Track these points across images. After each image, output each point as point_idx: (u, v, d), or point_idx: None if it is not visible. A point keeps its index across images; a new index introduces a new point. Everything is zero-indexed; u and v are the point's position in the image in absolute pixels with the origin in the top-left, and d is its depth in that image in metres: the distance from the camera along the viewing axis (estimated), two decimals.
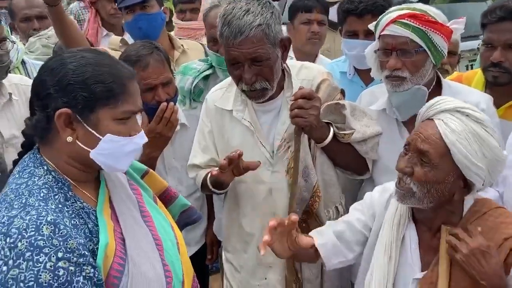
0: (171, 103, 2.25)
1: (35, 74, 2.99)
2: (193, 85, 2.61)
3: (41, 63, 3.31)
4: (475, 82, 2.48)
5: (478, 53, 6.35)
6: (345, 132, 2.03)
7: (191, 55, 3.07)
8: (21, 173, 1.34)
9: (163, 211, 1.61)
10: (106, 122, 1.33)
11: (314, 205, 2.04)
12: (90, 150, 1.33)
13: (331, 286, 2.11)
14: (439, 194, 1.58)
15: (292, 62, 2.18)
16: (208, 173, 2.10)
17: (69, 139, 1.31)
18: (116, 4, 3.06)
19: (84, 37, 2.60)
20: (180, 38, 3.20)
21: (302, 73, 2.09)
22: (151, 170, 1.71)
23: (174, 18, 3.93)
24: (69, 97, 1.29)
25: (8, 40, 2.44)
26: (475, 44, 6.57)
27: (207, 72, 2.66)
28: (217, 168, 1.95)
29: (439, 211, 1.64)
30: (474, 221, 1.61)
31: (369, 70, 2.33)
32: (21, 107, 2.58)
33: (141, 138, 1.41)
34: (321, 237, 1.83)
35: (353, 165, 2.13)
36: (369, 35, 2.42)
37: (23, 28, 3.29)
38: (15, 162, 1.44)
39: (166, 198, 1.70)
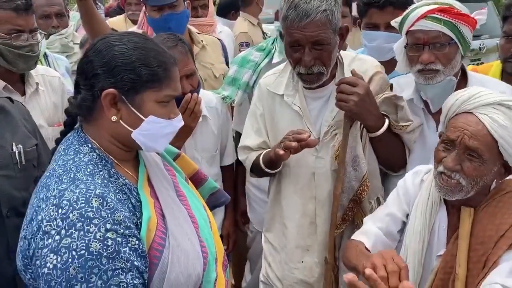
0: (195, 94, 2.31)
1: (56, 67, 3.05)
2: (252, 79, 2.66)
3: (62, 57, 3.41)
4: (491, 75, 2.53)
5: (479, 53, 6.46)
6: (403, 124, 2.08)
7: (210, 50, 3.13)
8: (66, 150, 1.40)
9: (195, 192, 1.67)
10: (150, 104, 1.39)
11: (362, 194, 2.09)
12: (132, 130, 1.39)
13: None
14: (484, 184, 1.64)
15: (346, 52, 2.24)
16: (260, 154, 2.17)
17: (114, 118, 1.37)
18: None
19: (110, 29, 2.62)
20: (198, 33, 3.25)
21: (355, 64, 2.14)
22: (182, 153, 1.77)
23: None
24: (116, 78, 1.35)
25: (38, 31, 2.48)
26: (477, 44, 6.74)
27: (265, 63, 2.68)
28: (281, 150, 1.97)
29: (474, 197, 1.68)
30: (496, 198, 1.67)
31: (387, 62, 2.42)
32: (47, 97, 2.63)
33: (179, 121, 1.48)
34: (368, 239, 1.84)
35: (395, 159, 2.17)
36: (389, 27, 2.47)
37: (42, 25, 3.32)
38: (58, 141, 1.50)
39: (196, 180, 1.77)
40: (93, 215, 1.24)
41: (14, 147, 1.91)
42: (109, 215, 1.26)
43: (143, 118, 1.38)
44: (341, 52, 2.18)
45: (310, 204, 2.16)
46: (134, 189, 1.41)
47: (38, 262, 1.24)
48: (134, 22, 4.95)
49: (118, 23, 4.67)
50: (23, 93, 2.53)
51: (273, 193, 2.30)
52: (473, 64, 5.63)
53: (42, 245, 1.23)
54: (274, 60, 2.72)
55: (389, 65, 2.43)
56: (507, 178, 1.73)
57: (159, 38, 2.36)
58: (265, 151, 2.21)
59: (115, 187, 1.36)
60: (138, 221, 1.35)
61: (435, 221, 1.76)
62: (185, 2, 2.95)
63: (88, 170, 1.34)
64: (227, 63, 3.25)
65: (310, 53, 1.96)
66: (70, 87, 2.93)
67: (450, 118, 1.69)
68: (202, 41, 3.11)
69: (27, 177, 1.95)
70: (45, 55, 3.20)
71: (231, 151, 2.83)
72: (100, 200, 1.27)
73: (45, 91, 2.62)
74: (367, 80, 2.10)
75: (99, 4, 6.39)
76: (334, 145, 2.10)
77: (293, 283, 2.25)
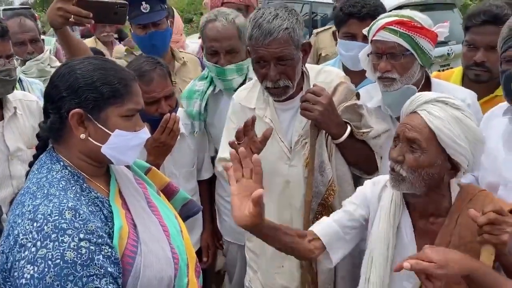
0: (173, 114, 2.38)
1: (31, 91, 3.08)
2: (202, 106, 2.74)
3: (37, 81, 3.44)
4: (452, 81, 2.64)
5: (448, 58, 6.59)
6: (363, 131, 2.19)
7: (190, 67, 3.23)
8: (40, 169, 1.49)
9: (166, 203, 1.76)
10: (114, 119, 1.48)
11: (329, 198, 2.19)
12: (101, 145, 1.48)
13: (343, 277, 2.24)
14: (430, 177, 1.70)
15: (312, 66, 2.35)
16: None
17: (82, 136, 1.46)
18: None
19: (91, 53, 2.69)
20: (181, 51, 3.35)
21: (321, 76, 2.27)
22: (153, 167, 1.85)
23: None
24: (80, 98, 1.45)
25: (14, 56, 2.53)
26: (445, 50, 6.91)
27: (210, 90, 2.78)
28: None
29: (430, 196, 1.76)
30: (465, 206, 1.74)
31: (359, 72, 2.51)
32: (25, 121, 2.66)
33: (145, 133, 1.58)
34: (318, 225, 1.94)
35: (364, 163, 2.27)
36: (366, 38, 2.54)
37: (17, 52, 3.35)
38: (31, 164, 1.59)
39: (168, 192, 1.85)
40: (66, 226, 1.32)
41: None
42: (82, 225, 1.34)
43: (110, 132, 1.48)
44: (307, 65, 2.28)
45: (286, 211, 2.24)
46: (106, 201, 1.50)
47: (16, 273, 1.31)
48: (106, 43, 5.00)
49: (88, 45, 4.68)
50: (1, 117, 2.57)
51: None
52: (443, 69, 5.77)
53: (19, 257, 1.31)
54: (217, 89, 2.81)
55: (361, 75, 2.53)
56: (465, 184, 1.82)
57: (137, 61, 2.44)
58: None
59: (87, 200, 1.44)
60: (110, 231, 1.44)
61: (400, 225, 1.82)
62: (168, 21, 3.05)
63: (61, 185, 1.42)
64: None
65: (275, 68, 2.06)
66: None
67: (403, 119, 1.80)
68: (183, 57, 3.23)
69: None
70: (20, 80, 3.23)
71: (208, 166, 2.90)
72: (72, 212, 1.35)
73: (23, 115, 2.66)
74: (332, 90, 2.21)
75: (75, 27, 6.40)
76: (305, 153, 2.19)
77: (274, 287, 2.32)
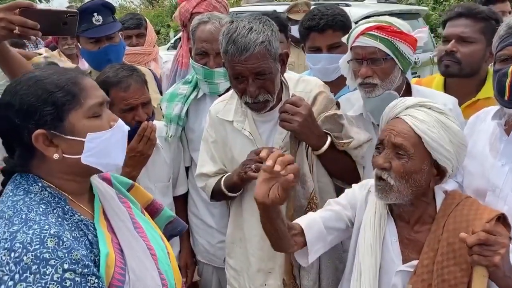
0: (151, 122, 2.31)
1: None
2: (183, 110, 2.67)
3: None
4: (435, 86, 2.66)
5: (415, 67, 6.70)
6: (344, 141, 2.13)
7: (148, 79, 3.10)
8: (15, 191, 1.33)
9: (151, 223, 1.63)
10: (81, 123, 1.34)
11: (311, 211, 2.08)
12: (79, 156, 1.34)
13: None
14: (417, 183, 1.68)
15: (290, 75, 2.28)
16: (221, 178, 2.21)
17: (56, 156, 1.33)
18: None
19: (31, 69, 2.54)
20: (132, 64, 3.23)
21: (300, 86, 2.21)
22: (136, 184, 1.72)
23: None
24: (35, 118, 1.31)
25: None
26: (412, 58, 7.01)
27: (193, 95, 2.71)
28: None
29: (416, 204, 1.75)
30: (451, 213, 1.72)
31: (333, 82, 2.51)
32: None
33: (123, 125, 1.43)
34: (302, 219, 1.90)
35: (346, 174, 2.21)
36: (331, 49, 2.57)
37: None
38: (4, 183, 1.43)
39: (152, 210, 1.73)
40: (49, 256, 1.18)
41: None
42: (66, 254, 1.21)
43: (83, 139, 1.34)
44: (286, 75, 2.22)
45: None
46: (90, 224, 1.37)
47: None
48: (69, 56, 4.86)
49: (52, 58, 4.55)
50: None
51: (232, 217, 2.32)
52: (412, 78, 5.83)
53: None
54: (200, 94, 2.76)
55: (335, 85, 2.52)
56: (450, 191, 1.80)
57: (112, 68, 2.36)
58: (225, 176, 2.23)
59: (70, 225, 1.31)
60: (96, 258, 1.31)
61: (385, 234, 1.80)
62: (120, 33, 2.93)
63: (41, 209, 1.28)
64: (160, 93, 3.26)
65: (253, 84, 2.00)
66: None
67: (382, 129, 1.78)
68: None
69: None
70: None
71: (183, 181, 2.81)
72: (55, 239, 1.21)
73: None
74: (312, 100, 2.16)
75: (40, 40, 6.21)
76: None
77: None
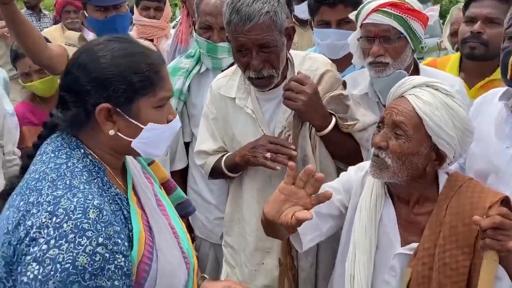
0: None
1: None
2: (185, 85, 2.63)
3: (2, 70, 3.29)
4: (450, 67, 2.61)
5: (422, 52, 6.64)
6: (348, 123, 2.08)
7: None
8: (57, 153, 1.31)
9: (169, 201, 1.61)
10: (147, 111, 1.32)
11: None
12: (131, 139, 1.33)
13: (325, 275, 2.14)
14: (413, 166, 1.64)
15: (296, 52, 2.23)
16: (221, 157, 2.18)
17: (111, 132, 1.31)
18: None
19: (41, 35, 2.52)
20: (141, 38, 3.21)
21: (306, 63, 2.14)
22: (156, 160, 1.69)
23: (135, 15, 3.87)
24: (108, 92, 1.28)
25: None
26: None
27: (196, 70, 2.67)
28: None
29: (413, 185, 1.71)
30: (454, 196, 1.68)
31: (340, 59, 2.44)
32: None
33: (178, 122, 1.44)
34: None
35: (349, 156, 2.15)
36: (340, 24, 2.50)
37: None
38: (36, 145, 1.39)
39: (166, 188, 1.69)
40: (88, 227, 1.18)
41: None
42: (104, 228, 1.20)
43: (142, 126, 1.32)
44: (292, 52, 2.17)
45: None
46: (124, 199, 1.35)
47: (19, 268, 1.18)
48: (73, 30, 4.81)
49: (54, 32, 4.54)
50: None
51: (231, 196, 2.28)
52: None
53: (27, 251, 1.17)
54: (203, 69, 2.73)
55: (342, 63, 2.45)
56: (452, 172, 1.76)
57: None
58: (226, 155, 2.19)
59: (108, 197, 1.30)
60: (130, 233, 1.30)
61: (382, 216, 1.76)
62: (126, 4, 2.92)
63: (84, 177, 1.27)
64: None
65: (258, 57, 1.94)
66: (7, 106, 2.84)
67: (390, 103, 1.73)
68: None
69: None
70: None
71: (181, 156, 2.78)
72: (97, 211, 1.20)
73: None
74: (318, 79, 2.10)
75: (46, 12, 6.15)
76: None
77: (254, 285, 2.22)
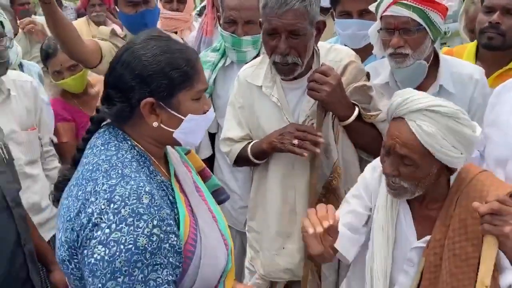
0: None
1: (29, 75, 3.01)
2: (211, 78, 2.70)
3: (35, 64, 3.37)
4: (466, 56, 2.61)
5: (445, 37, 6.55)
6: (371, 114, 2.11)
7: None
8: (106, 146, 1.42)
9: (205, 188, 1.70)
10: (186, 103, 1.43)
11: (333, 181, 2.14)
12: (173, 130, 1.44)
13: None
14: (427, 183, 1.68)
15: (322, 44, 2.26)
16: (247, 144, 2.24)
17: (155, 124, 1.41)
18: None
19: (77, 31, 2.60)
20: (165, 30, 3.24)
21: (331, 54, 2.18)
22: (192, 150, 1.80)
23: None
24: (151, 87, 1.38)
25: (6, 37, 2.44)
26: (442, 28, 6.86)
27: (221, 63, 2.74)
28: None
29: (427, 190, 1.72)
30: (465, 189, 1.71)
31: (361, 49, 2.46)
32: (19, 102, 2.60)
33: (212, 113, 1.53)
34: (340, 244, 1.85)
35: (372, 146, 2.17)
36: (362, 15, 2.53)
37: None
38: (85, 139, 1.51)
39: (202, 176, 1.78)
40: (143, 211, 1.29)
41: None
42: (157, 211, 1.31)
43: (183, 118, 1.43)
44: (318, 43, 2.19)
45: (290, 193, 2.19)
46: (169, 186, 1.46)
47: (85, 251, 1.29)
48: (98, 23, 4.89)
49: (79, 25, 4.60)
50: None
51: (256, 183, 2.34)
52: (440, 48, 5.72)
53: (91, 236, 1.28)
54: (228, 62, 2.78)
55: (363, 53, 2.47)
56: (465, 165, 1.74)
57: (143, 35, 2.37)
58: (252, 143, 2.24)
59: (156, 184, 1.40)
60: (176, 217, 1.40)
61: (399, 212, 1.80)
62: None
63: (133, 166, 1.38)
64: None
65: (286, 41, 1.99)
66: (42, 95, 2.91)
67: (389, 121, 1.73)
68: None
69: (12, 170, 2.03)
70: (21, 65, 3.19)
71: (206, 145, 2.85)
72: (149, 197, 1.31)
73: (17, 96, 2.59)
74: (341, 70, 2.14)
75: (67, 3, 6.26)
76: None
77: (275, 269, 2.29)
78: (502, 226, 1.51)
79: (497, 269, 1.63)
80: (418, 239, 1.77)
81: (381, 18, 2.17)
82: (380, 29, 2.18)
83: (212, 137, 2.90)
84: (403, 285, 1.79)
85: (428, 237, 1.74)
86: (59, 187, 1.51)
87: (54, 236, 2.67)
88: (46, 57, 3.13)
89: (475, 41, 2.69)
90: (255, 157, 2.22)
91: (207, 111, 1.49)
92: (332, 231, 1.65)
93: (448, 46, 5.82)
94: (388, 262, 1.79)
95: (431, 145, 1.59)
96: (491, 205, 1.52)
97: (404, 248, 1.79)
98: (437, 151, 1.59)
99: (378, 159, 1.86)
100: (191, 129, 1.45)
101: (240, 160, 2.31)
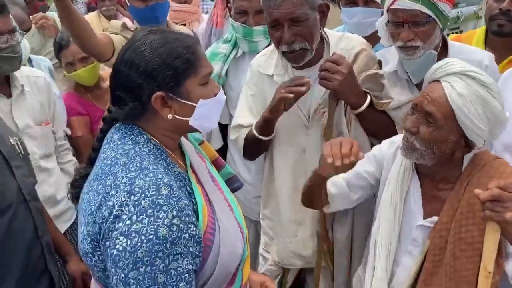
0: None
1: (39, 69, 3.05)
2: (223, 69, 2.72)
3: (45, 58, 3.40)
4: (475, 42, 2.60)
5: (458, 21, 6.46)
6: (383, 102, 2.12)
7: None
8: (123, 140, 1.44)
9: (219, 177, 1.72)
10: (195, 89, 1.44)
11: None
12: (188, 118, 1.46)
13: (359, 246, 2.21)
14: (441, 151, 1.68)
15: (332, 32, 2.28)
16: (251, 127, 2.24)
17: (169, 116, 1.43)
18: None
19: (89, 25, 2.63)
20: (174, 23, 3.26)
21: (342, 43, 2.19)
22: (205, 140, 1.82)
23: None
24: (158, 80, 1.40)
25: (18, 31, 2.48)
26: (454, 12, 6.77)
27: (233, 54, 2.76)
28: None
29: (440, 165, 1.75)
30: (476, 174, 1.71)
31: (368, 37, 2.43)
32: (33, 97, 2.64)
33: (222, 94, 1.54)
34: (335, 187, 1.99)
35: (384, 134, 2.16)
36: (367, 3, 2.53)
37: None
38: (100, 139, 1.54)
39: (216, 166, 1.81)
40: (163, 202, 1.31)
41: (11, 140, 1.98)
42: (176, 202, 1.33)
43: (195, 104, 1.45)
44: (328, 31, 2.21)
45: (301, 179, 2.19)
46: (185, 177, 1.48)
47: (108, 243, 1.31)
48: (109, 17, 4.92)
49: (90, 19, 4.60)
50: (9, 95, 2.54)
51: (267, 171, 2.37)
52: (453, 33, 5.67)
53: (112, 228, 1.30)
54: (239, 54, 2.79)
55: (370, 40, 2.44)
56: (481, 151, 1.76)
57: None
58: (256, 121, 2.25)
59: (173, 176, 1.43)
60: (194, 207, 1.42)
61: (409, 189, 1.82)
62: None
63: (151, 159, 1.40)
64: None
65: (289, 30, 2.00)
66: (54, 89, 2.94)
67: (425, 87, 1.75)
68: (179, 29, 3.12)
69: (28, 165, 2.06)
70: (29, 60, 3.22)
71: (216, 136, 2.87)
72: (168, 188, 1.34)
73: (30, 91, 2.63)
74: (353, 58, 2.14)
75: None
76: (323, 122, 2.15)
77: (288, 256, 2.33)
78: (503, 213, 1.52)
79: (502, 256, 1.64)
80: (425, 218, 1.79)
81: (388, 10, 2.14)
82: (388, 21, 2.16)
83: (224, 128, 2.92)
84: (406, 267, 1.82)
85: (434, 218, 1.76)
86: (76, 185, 1.55)
87: (69, 227, 2.74)
88: (60, 49, 3.16)
89: (484, 27, 2.67)
90: (260, 133, 2.20)
91: (217, 93, 1.51)
92: (350, 166, 1.70)
93: (461, 31, 5.78)
94: (393, 237, 1.81)
95: (458, 107, 1.60)
96: (492, 192, 1.53)
97: (409, 226, 1.81)
98: (462, 114, 1.60)
99: (397, 136, 1.89)
100: (204, 113, 1.47)
101: (248, 146, 2.31)
